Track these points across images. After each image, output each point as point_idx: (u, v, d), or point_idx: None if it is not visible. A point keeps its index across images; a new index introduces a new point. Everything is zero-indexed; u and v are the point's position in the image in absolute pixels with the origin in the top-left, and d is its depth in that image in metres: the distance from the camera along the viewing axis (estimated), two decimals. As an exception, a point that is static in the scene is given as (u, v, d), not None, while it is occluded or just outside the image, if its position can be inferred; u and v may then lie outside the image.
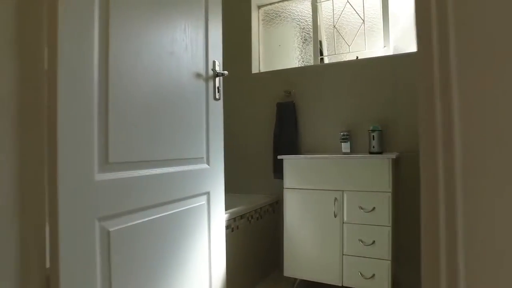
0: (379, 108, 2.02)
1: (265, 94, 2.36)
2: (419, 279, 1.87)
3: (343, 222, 1.69)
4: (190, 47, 1.24)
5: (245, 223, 1.88)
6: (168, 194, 1.11)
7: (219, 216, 1.39)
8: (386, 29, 2.13)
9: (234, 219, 1.75)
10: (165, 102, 1.12)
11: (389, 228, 1.59)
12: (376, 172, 1.63)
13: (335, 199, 1.71)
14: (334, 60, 2.28)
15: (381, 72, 2.01)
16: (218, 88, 1.39)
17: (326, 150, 2.16)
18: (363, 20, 2.19)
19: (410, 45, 2.08)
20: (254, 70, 2.46)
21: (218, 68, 1.39)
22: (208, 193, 1.32)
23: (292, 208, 1.82)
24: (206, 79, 1.33)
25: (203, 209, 1.30)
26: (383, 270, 1.59)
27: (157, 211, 1.07)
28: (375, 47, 2.16)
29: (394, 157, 1.60)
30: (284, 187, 1.85)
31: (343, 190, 1.70)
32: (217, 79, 1.39)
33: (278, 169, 2.23)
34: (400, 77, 1.97)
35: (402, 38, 2.12)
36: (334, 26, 2.27)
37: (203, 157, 1.32)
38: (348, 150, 2.02)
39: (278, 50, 2.50)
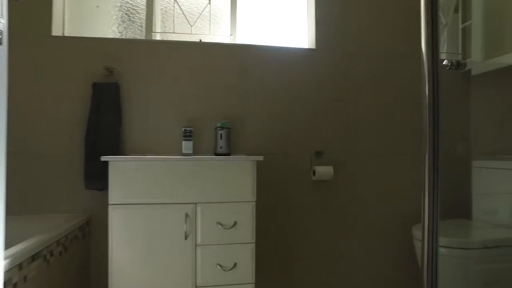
0: (227, 103, 1.74)
1: (74, 68, 1.64)
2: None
3: (197, 245, 1.29)
4: None
5: (41, 267, 1.15)
6: None
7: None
8: (233, 16, 1.88)
9: (20, 265, 1.02)
10: None
11: (253, 245, 1.32)
12: (238, 178, 1.33)
13: (186, 215, 1.28)
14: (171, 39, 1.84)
15: (229, 62, 1.75)
16: None
17: (161, 150, 1.68)
18: (209, 1, 1.86)
19: (258, 38, 1.92)
20: (56, 31, 1.68)
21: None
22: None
23: (121, 232, 1.26)
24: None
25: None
26: (246, 298, 1.30)
27: None
28: (219, 33, 1.88)
29: (261, 159, 1.35)
30: (110, 202, 1.26)
31: (196, 203, 1.30)
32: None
33: (92, 176, 1.57)
34: (250, 70, 1.76)
35: (252, 30, 1.93)
36: (175, 1, 1.84)
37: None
38: (191, 151, 1.64)
39: (96, 12, 1.82)
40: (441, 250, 1.46)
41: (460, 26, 2.11)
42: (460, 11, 2.12)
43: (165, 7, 1.85)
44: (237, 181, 1.33)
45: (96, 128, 1.59)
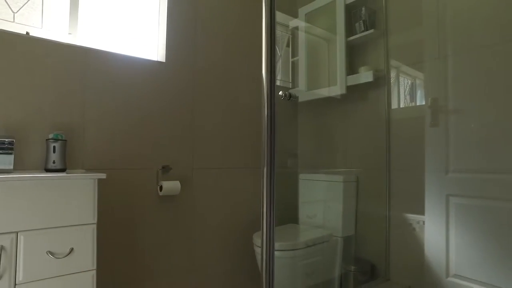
0: (63, 111, 1.51)
1: None
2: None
3: (16, 284, 1.04)
4: None
5: None
6: None
7: None
8: (74, 12, 1.66)
9: None
10: None
11: (93, 272, 1.16)
12: (75, 198, 1.16)
13: (2, 247, 1.02)
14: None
15: (67, 65, 1.53)
16: None
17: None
18: (41, -13, 1.59)
19: (102, 42, 1.75)
20: None
21: None
22: None
23: None
24: None
25: None
26: (83, 337, 1.13)
27: None
28: (54, 29, 1.63)
29: (104, 177, 1.21)
30: None
31: (17, 231, 1.06)
32: None
33: None
34: (93, 76, 1.59)
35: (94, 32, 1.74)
36: (-11, -25, 1.48)
37: None
38: (10, 166, 1.33)
39: None
40: (276, 253, 1.66)
41: (291, 60, 2.50)
42: (290, 46, 2.52)
43: (-25, -16, 1.47)
44: (74, 201, 1.15)
45: None
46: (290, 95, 1.43)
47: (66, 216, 1.13)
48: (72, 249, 1.13)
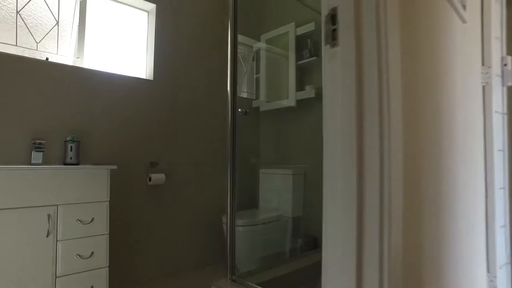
0: (76, 119, 1.97)
1: None
2: (131, 274, 2.03)
3: (58, 240, 1.52)
4: None
5: None
6: None
7: None
8: (81, 40, 2.12)
9: None
10: None
11: (107, 236, 1.66)
12: (94, 183, 1.65)
13: (49, 215, 1.50)
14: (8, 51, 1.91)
15: (77, 83, 1.99)
16: None
17: (8, 160, 1.74)
18: (57, 21, 2.04)
19: (102, 62, 2.22)
20: None
21: None
22: None
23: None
24: None
25: None
26: (102, 278, 1.62)
27: None
28: (65, 53, 2.08)
29: (115, 167, 1.71)
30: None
31: (57, 205, 1.53)
32: None
33: None
34: (97, 92, 2.06)
35: (97, 54, 2.20)
36: (18, 12, 1.92)
37: None
38: (40, 161, 1.79)
39: None
40: (239, 228, 2.20)
41: (255, 76, 3.06)
42: (255, 62, 3.08)
43: (4, 17, 1.90)
44: (94, 185, 1.64)
45: None
46: (246, 112, 1.97)
47: (89, 195, 1.62)
48: (93, 219, 1.62)
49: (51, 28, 2.02)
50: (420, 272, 0.89)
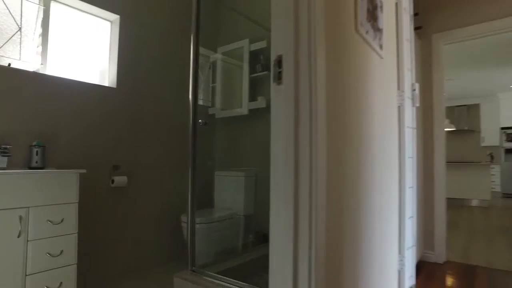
0: (41, 125, 2.06)
1: None
2: (98, 270, 2.14)
3: (28, 240, 1.63)
4: None
5: None
6: None
7: None
8: (45, 47, 2.20)
9: None
10: None
11: (76, 235, 1.79)
12: (64, 186, 1.77)
13: (20, 217, 1.61)
14: (-23, 59, 1.94)
15: (42, 90, 2.08)
16: None
17: (-35, 164, 1.79)
18: (20, 28, 2.11)
19: (64, 69, 2.31)
20: None
21: None
22: None
23: None
24: None
25: None
26: (70, 275, 1.75)
27: None
28: (28, 59, 2.15)
29: (85, 171, 1.84)
30: None
31: (28, 207, 1.64)
32: None
33: None
34: (61, 98, 2.16)
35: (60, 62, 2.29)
36: (-20, 21, 1.96)
37: None
38: (5, 165, 1.86)
39: None
40: (197, 225, 2.42)
41: (211, 85, 3.29)
42: (211, 71, 3.31)
43: (-31, 27, 1.93)
44: (63, 188, 1.77)
45: None
46: (206, 122, 2.21)
47: (59, 197, 1.74)
48: (63, 219, 1.75)
49: (13, 34, 2.08)
50: (341, 250, 1.21)
